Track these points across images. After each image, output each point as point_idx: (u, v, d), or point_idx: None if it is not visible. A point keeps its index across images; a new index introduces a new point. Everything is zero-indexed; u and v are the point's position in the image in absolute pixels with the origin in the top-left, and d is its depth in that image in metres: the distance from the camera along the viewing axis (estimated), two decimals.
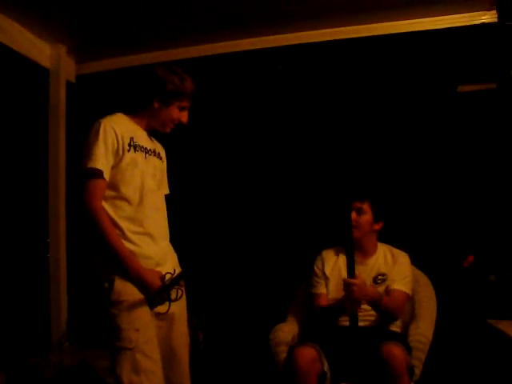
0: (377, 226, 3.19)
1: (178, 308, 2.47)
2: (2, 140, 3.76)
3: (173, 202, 2.69)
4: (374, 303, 2.92)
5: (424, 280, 3.29)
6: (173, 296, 2.36)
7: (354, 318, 2.85)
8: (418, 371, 2.83)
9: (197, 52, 4.19)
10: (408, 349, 2.81)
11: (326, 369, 2.78)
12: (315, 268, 3.27)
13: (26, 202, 3.96)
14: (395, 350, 2.63)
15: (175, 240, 2.66)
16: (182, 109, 2.54)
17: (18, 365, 3.47)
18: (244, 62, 4.16)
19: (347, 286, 2.83)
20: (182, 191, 3.21)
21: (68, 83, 4.29)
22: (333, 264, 3.24)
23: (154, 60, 4.03)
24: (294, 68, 4.09)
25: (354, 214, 3.10)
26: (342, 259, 3.15)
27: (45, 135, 4.12)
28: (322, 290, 3.18)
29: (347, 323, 2.90)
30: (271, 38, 4.04)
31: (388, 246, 3.26)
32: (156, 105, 2.48)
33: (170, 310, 2.38)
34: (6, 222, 3.74)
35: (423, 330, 2.98)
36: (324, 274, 3.21)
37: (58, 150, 4.09)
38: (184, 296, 2.52)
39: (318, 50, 4.01)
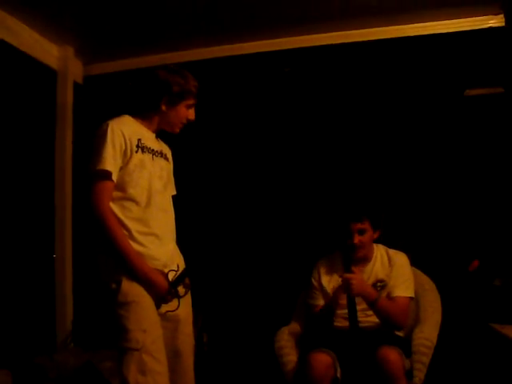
0: (375, 235, 3.15)
1: (184, 309, 2.48)
2: (9, 141, 3.77)
3: (179, 205, 2.70)
4: (373, 303, 2.89)
5: (429, 284, 3.27)
6: (181, 293, 2.38)
7: (354, 318, 2.85)
8: (421, 375, 2.82)
9: (204, 54, 4.20)
10: (407, 352, 2.80)
11: (338, 374, 2.77)
12: (312, 280, 3.24)
13: (32, 202, 3.97)
14: (391, 355, 2.63)
15: (182, 242, 2.67)
16: (188, 107, 2.55)
17: (24, 364, 3.48)
18: (251, 65, 4.16)
19: (346, 281, 2.83)
20: (189, 194, 3.21)
21: (75, 84, 4.31)
22: (329, 276, 3.19)
23: (161, 62, 4.01)
24: (300, 71, 4.10)
25: (356, 237, 3.04)
26: (338, 268, 3.13)
27: (52, 136, 4.14)
28: (320, 301, 3.15)
29: (347, 323, 2.91)
30: (278, 40, 4.05)
31: (384, 248, 3.22)
32: (164, 107, 2.50)
33: (175, 311, 2.39)
34: (12, 223, 3.75)
35: (427, 333, 2.97)
36: (321, 285, 3.18)
37: (65, 150, 4.11)
38: (189, 297, 2.55)
39: (324, 53, 4.01)
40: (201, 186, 4.13)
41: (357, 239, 3.03)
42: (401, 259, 3.14)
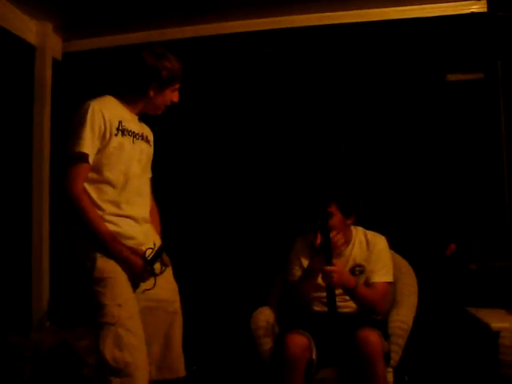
0: (349, 221, 3.12)
1: (166, 287, 2.50)
2: None
3: (158, 189, 2.70)
4: (351, 291, 2.91)
5: (406, 267, 3.28)
6: (157, 271, 2.37)
7: (333, 304, 2.86)
8: (397, 357, 2.85)
9: (186, 33, 4.16)
10: (385, 335, 2.82)
11: (314, 356, 2.78)
12: (292, 257, 3.24)
13: (9, 182, 3.93)
14: (371, 336, 2.64)
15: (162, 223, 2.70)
16: (174, 90, 2.55)
17: None
18: (231, 45, 4.13)
19: (327, 274, 2.82)
20: (168, 178, 3.20)
21: (54, 61, 4.24)
22: (307, 255, 3.17)
23: (141, 40, 3.99)
24: (280, 52, 4.08)
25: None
26: (315, 249, 3.09)
27: (30, 112, 4.08)
28: (297, 276, 3.16)
29: (326, 308, 2.92)
30: (259, 21, 4.02)
31: (362, 231, 3.21)
32: (151, 93, 2.48)
33: (158, 291, 2.40)
34: None
35: (403, 316, 2.99)
36: (301, 263, 3.18)
37: (43, 128, 4.05)
38: (171, 275, 2.57)
39: (305, 34, 4.00)
40: (180, 167, 4.11)
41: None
42: (380, 243, 3.13)
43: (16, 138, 4.02)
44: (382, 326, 2.91)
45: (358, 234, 3.19)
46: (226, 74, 4.16)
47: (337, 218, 3.05)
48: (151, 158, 2.67)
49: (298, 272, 3.17)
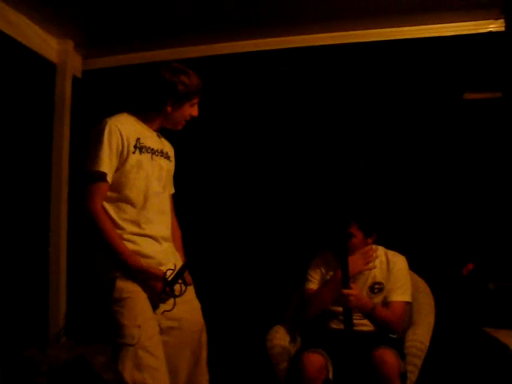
0: (370, 240, 3.13)
1: (186, 307, 2.48)
2: (6, 134, 3.76)
3: (179, 202, 2.70)
4: (369, 314, 2.90)
5: (423, 286, 3.27)
6: (177, 292, 2.36)
7: (349, 323, 2.84)
8: (413, 377, 2.82)
9: (203, 51, 4.19)
10: (401, 354, 2.80)
11: (330, 376, 2.77)
12: (311, 269, 3.23)
13: (28, 196, 3.96)
14: (387, 356, 2.63)
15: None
16: (192, 105, 2.54)
17: (14, 358, 3.46)
18: (250, 63, 4.16)
19: (344, 297, 2.81)
20: (188, 192, 3.20)
21: (74, 78, 4.29)
22: (326, 275, 3.18)
23: (160, 58, 4.02)
24: (299, 70, 4.10)
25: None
26: (333, 266, 3.13)
27: (49, 130, 4.12)
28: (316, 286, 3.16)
29: (342, 326, 2.90)
30: (278, 39, 4.05)
31: (383, 250, 3.19)
32: (169, 109, 2.48)
33: (179, 311, 2.38)
34: (8, 216, 3.74)
35: (420, 336, 2.97)
36: (319, 276, 3.18)
37: (62, 145, 4.10)
38: (193, 293, 2.56)
39: (323, 53, 4.01)
40: (199, 183, 4.12)
41: None
42: (399, 263, 3.12)
43: (36, 154, 4.06)
44: (399, 345, 2.89)
45: (378, 252, 3.17)
46: (245, 92, 4.18)
47: (357, 239, 3.06)
48: (172, 174, 2.67)
49: (315, 283, 3.17)
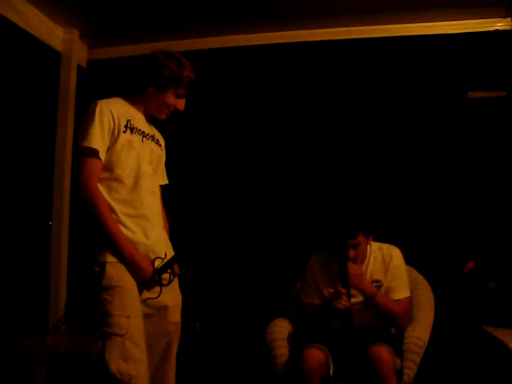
0: (369, 241, 3.11)
1: (171, 297, 2.46)
2: (10, 122, 3.77)
3: (174, 196, 2.69)
4: (370, 299, 2.90)
5: (423, 284, 3.27)
6: (165, 281, 2.36)
7: (348, 318, 2.85)
8: (412, 374, 2.83)
9: (208, 44, 4.18)
10: (399, 351, 2.81)
11: (331, 372, 2.78)
12: (307, 276, 3.21)
13: (30, 186, 3.96)
14: (382, 353, 2.64)
15: (174, 232, 2.68)
16: (178, 96, 2.51)
17: (13, 346, 3.47)
18: (254, 57, 4.15)
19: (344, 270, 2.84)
20: (185, 186, 3.20)
21: (79, 68, 4.29)
22: (326, 273, 3.16)
23: (166, 49, 4.02)
24: (303, 65, 4.09)
25: (351, 251, 2.97)
26: (333, 266, 3.09)
27: (53, 118, 4.12)
28: (314, 300, 3.14)
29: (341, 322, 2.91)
30: (282, 33, 4.04)
31: (377, 245, 3.16)
32: (151, 90, 2.47)
33: (162, 300, 2.38)
34: (9, 206, 3.75)
35: (419, 332, 2.96)
36: (315, 282, 3.16)
37: (66, 133, 4.09)
38: (177, 286, 2.54)
39: (329, 48, 4.01)
40: (198, 177, 4.13)
41: (352, 253, 2.98)
42: (395, 259, 3.09)
43: (39, 143, 4.06)
44: (397, 342, 2.90)
45: (373, 249, 3.15)
46: (248, 86, 4.18)
47: (363, 246, 3.04)
48: (163, 162, 2.67)
49: (312, 294, 3.15)
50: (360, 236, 2.99)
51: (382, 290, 3.04)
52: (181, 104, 2.54)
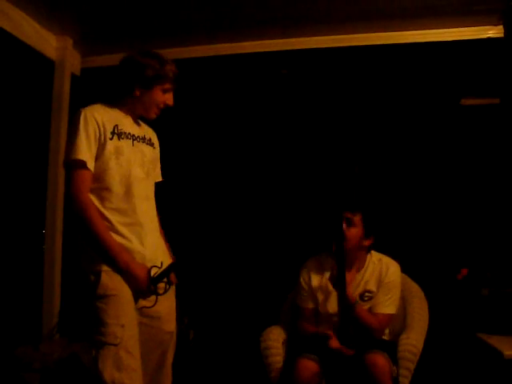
0: (366, 242, 3.09)
1: (166, 306, 2.44)
2: (3, 130, 3.76)
3: (169, 200, 2.68)
4: (350, 307, 2.89)
5: (417, 291, 3.28)
6: (161, 290, 2.34)
7: (346, 325, 2.85)
8: (406, 381, 2.83)
9: (202, 52, 4.17)
10: (394, 358, 2.81)
11: (324, 382, 2.79)
12: (301, 280, 3.21)
13: (24, 192, 3.95)
14: (378, 360, 2.65)
15: (169, 238, 2.66)
16: (165, 91, 2.49)
17: (6, 355, 3.45)
18: (249, 65, 4.16)
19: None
20: (182, 194, 3.19)
21: (72, 76, 4.27)
22: (320, 276, 3.17)
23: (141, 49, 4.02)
24: (298, 73, 4.10)
25: (346, 228, 3.00)
26: (328, 269, 3.11)
27: (47, 127, 4.11)
28: (309, 304, 3.15)
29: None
30: (277, 41, 4.04)
31: (378, 256, 3.16)
32: (138, 92, 2.44)
33: (157, 309, 2.36)
34: (3, 213, 3.73)
35: (414, 340, 2.97)
36: (310, 287, 3.16)
37: (59, 141, 4.07)
38: (173, 294, 2.51)
39: (323, 56, 4.01)
40: (193, 185, 4.12)
41: (346, 230, 2.99)
42: (392, 274, 3.08)
43: (33, 151, 4.05)
44: (392, 349, 2.90)
45: (373, 259, 3.15)
46: (243, 93, 4.18)
47: (356, 230, 3.03)
48: (157, 161, 2.64)
49: (307, 299, 3.16)
50: (357, 216, 3.02)
51: (372, 302, 3.04)
52: (169, 99, 2.51)
